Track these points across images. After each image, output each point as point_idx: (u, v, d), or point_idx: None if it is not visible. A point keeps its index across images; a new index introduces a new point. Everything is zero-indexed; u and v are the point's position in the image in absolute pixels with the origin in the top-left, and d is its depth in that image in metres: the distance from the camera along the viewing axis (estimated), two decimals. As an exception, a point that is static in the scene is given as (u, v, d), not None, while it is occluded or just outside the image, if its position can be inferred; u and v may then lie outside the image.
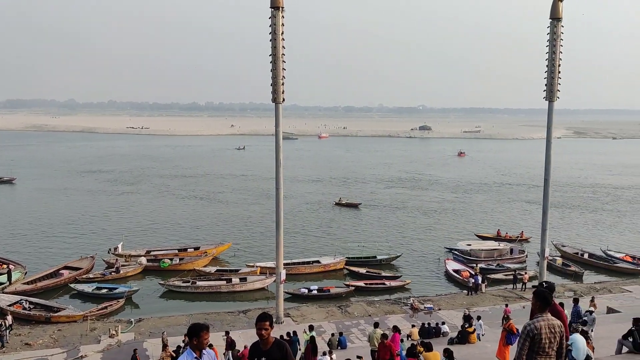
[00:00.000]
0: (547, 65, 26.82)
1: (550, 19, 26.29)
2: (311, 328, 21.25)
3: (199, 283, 32.78)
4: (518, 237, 44.05)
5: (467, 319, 22.18)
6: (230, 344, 20.66)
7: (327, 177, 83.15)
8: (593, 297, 26.62)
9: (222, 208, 57.94)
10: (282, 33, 24.07)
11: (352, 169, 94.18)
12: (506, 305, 26.04)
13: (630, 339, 11.14)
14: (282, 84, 24.53)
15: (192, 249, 39.31)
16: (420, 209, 57.97)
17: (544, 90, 27.18)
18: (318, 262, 36.65)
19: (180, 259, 37.27)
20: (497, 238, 43.70)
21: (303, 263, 36.65)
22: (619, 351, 11.68)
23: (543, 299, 5.43)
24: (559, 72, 26.71)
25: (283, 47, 24.22)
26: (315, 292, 31.56)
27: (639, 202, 63.68)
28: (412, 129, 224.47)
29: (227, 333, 21.80)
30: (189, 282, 32.86)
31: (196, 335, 5.08)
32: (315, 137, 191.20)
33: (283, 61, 24.34)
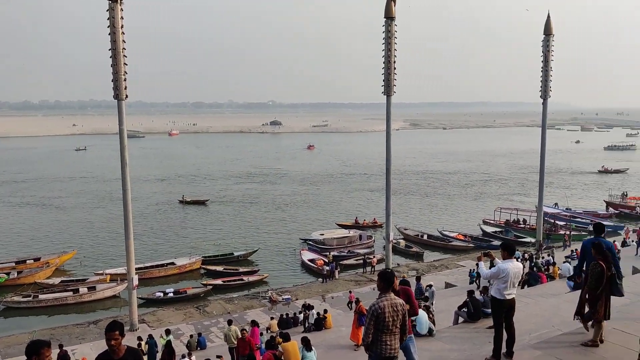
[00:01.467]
0: (384, 62, 28.74)
1: (384, 18, 28.17)
2: (167, 332, 20.58)
3: (42, 296, 29.98)
4: (372, 223, 46.95)
5: (309, 308, 22.84)
6: (63, 357, 19.14)
7: (174, 176, 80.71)
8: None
9: (62, 214, 53.36)
10: (122, 27, 22.83)
11: (201, 166, 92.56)
12: (350, 292, 27.20)
13: (465, 310, 12.48)
14: (125, 80, 23.30)
15: (32, 261, 35.76)
16: (273, 203, 58.85)
17: (382, 86, 29.11)
18: (173, 263, 35.50)
19: (18, 272, 33.79)
20: (356, 225, 46.29)
21: (157, 266, 35.22)
22: (455, 321, 13.02)
23: (386, 279, 5.90)
24: (395, 68, 28.78)
25: (123, 41, 22.98)
26: (171, 295, 30.56)
27: (464, 186, 71.10)
28: (263, 124, 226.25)
29: (60, 347, 20.03)
30: (29, 296, 29.91)
31: (36, 353, 4.66)
32: (165, 135, 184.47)
33: (124, 55, 23.11)
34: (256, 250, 39.04)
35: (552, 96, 35.28)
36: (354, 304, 19.95)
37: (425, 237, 42.50)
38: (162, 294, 30.46)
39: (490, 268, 7.73)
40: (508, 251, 7.31)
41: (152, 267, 34.98)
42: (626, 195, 54.60)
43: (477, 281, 25.43)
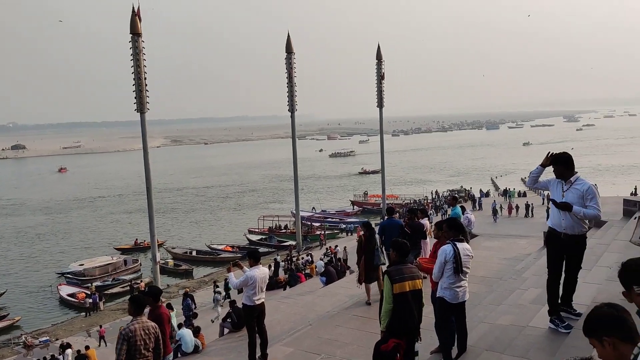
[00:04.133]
0: (134, 79, 27.71)
1: (130, 34, 27.21)
2: None
3: None
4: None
5: (66, 347, 20.67)
6: None
7: None
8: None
9: None
10: None
11: None
12: (100, 327, 24.91)
13: (229, 320, 12.79)
14: None
15: None
16: (15, 239, 51.95)
17: (135, 103, 28.02)
18: None
19: None
20: (137, 247, 44.61)
21: None
22: (221, 333, 13.27)
23: (135, 303, 5.80)
24: (146, 85, 27.97)
25: None
26: None
27: (224, 198, 72.74)
28: (3, 149, 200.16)
29: None
30: None
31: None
32: None
33: None
34: (3, 293, 33.99)
35: (299, 109, 38.13)
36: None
37: (194, 253, 42.19)
38: None
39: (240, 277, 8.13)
40: (253, 258, 7.78)
41: None
42: (367, 194, 62.34)
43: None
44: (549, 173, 5.84)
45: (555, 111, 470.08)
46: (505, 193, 49.95)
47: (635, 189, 49.60)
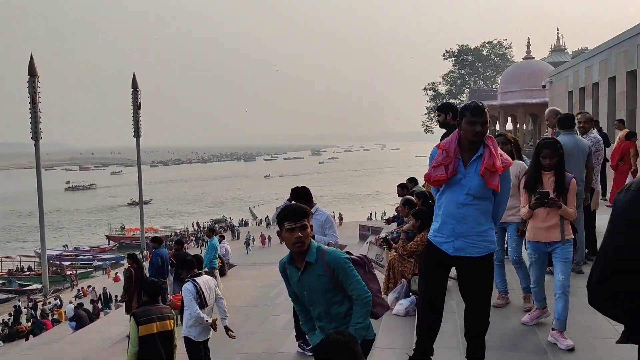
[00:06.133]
0: None
1: None
2: None
3: None
4: None
5: None
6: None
7: None
8: None
9: None
10: None
11: None
12: None
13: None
14: None
15: None
16: None
17: None
18: None
19: None
20: None
21: None
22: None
23: None
24: None
25: None
26: None
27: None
28: None
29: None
30: None
31: None
32: None
33: None
34: None
35: (44, 137, 34.55)
36: None
37: None
38: None
39: None
40: None
41: None
42: (124, 228, 58.99)
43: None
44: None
45: (305, 145, 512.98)
46: (268, 222, 52.33)
47: (371, 214, 56.83)
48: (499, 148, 3.63)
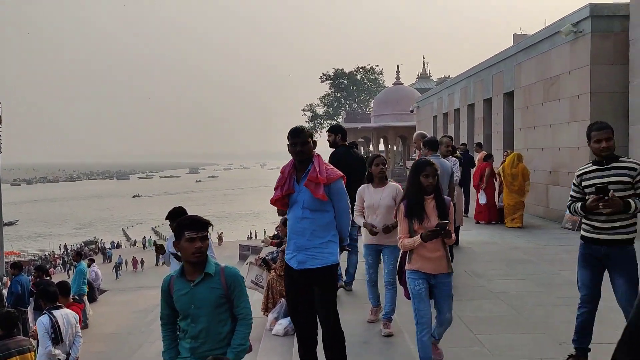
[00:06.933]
0: None
1: None
2: None
3: None
4: None
5: None
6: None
7: None
8: None
9: None
10: None
11: None
12: None
13: None
14: None
15: None
16: None
17: None
18: None
19: None
20: None
21: None
22: None
23: None
24: None
25: None
26: None
27: None
28: None
29: None
30: None
31: None
32: None
33: None
34: None
35: None
36: None
37: None
38: None
39: None
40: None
41: None
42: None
43: None
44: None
45: (183, 163, 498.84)
46: (143, 244, 50.06)
47: (251, 233, 56.42)
48: (324, 163, 3.90)
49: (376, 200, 4.92)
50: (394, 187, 4.98)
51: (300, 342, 4.07)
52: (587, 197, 3.86)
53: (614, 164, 3.83)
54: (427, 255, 3.82)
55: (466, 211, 11.91)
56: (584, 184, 3.93)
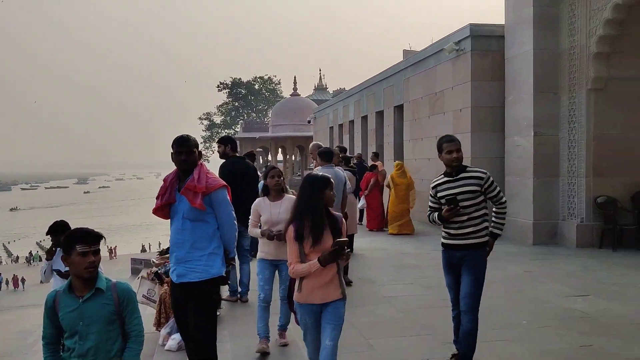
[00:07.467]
0: None
1: None
2: None
3: None
4: None
5: None
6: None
7: None
8: None
9: None
10: None
11: None
12: None
13: None
14: None
15: None
16: None
17: None
18: None
19: None
20: None
21: None
22: None
23: None
24: None
25: None
26: None
27: None
28: None
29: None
30: None
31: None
32: None
33: None
34: None
35: None
36: None
37: None
38: None
39: None
40: None
41: None
42: None
43: None
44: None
45: (71, 173, 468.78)
46: (29, 260, 46.76)
47: (143, 246, 54.05)
48: (207, 172, 3.81)
49: (274, 215, 4.70)
50: (291, 200, 4.56)
51: (191, 357, 3.98)
52: (442, 207, 4.16)
53: (463, 175, 4.13)
54: (316, 284, 3.33)
55: (360, 219, 12.34)
56: (439, 194, 4.22)
